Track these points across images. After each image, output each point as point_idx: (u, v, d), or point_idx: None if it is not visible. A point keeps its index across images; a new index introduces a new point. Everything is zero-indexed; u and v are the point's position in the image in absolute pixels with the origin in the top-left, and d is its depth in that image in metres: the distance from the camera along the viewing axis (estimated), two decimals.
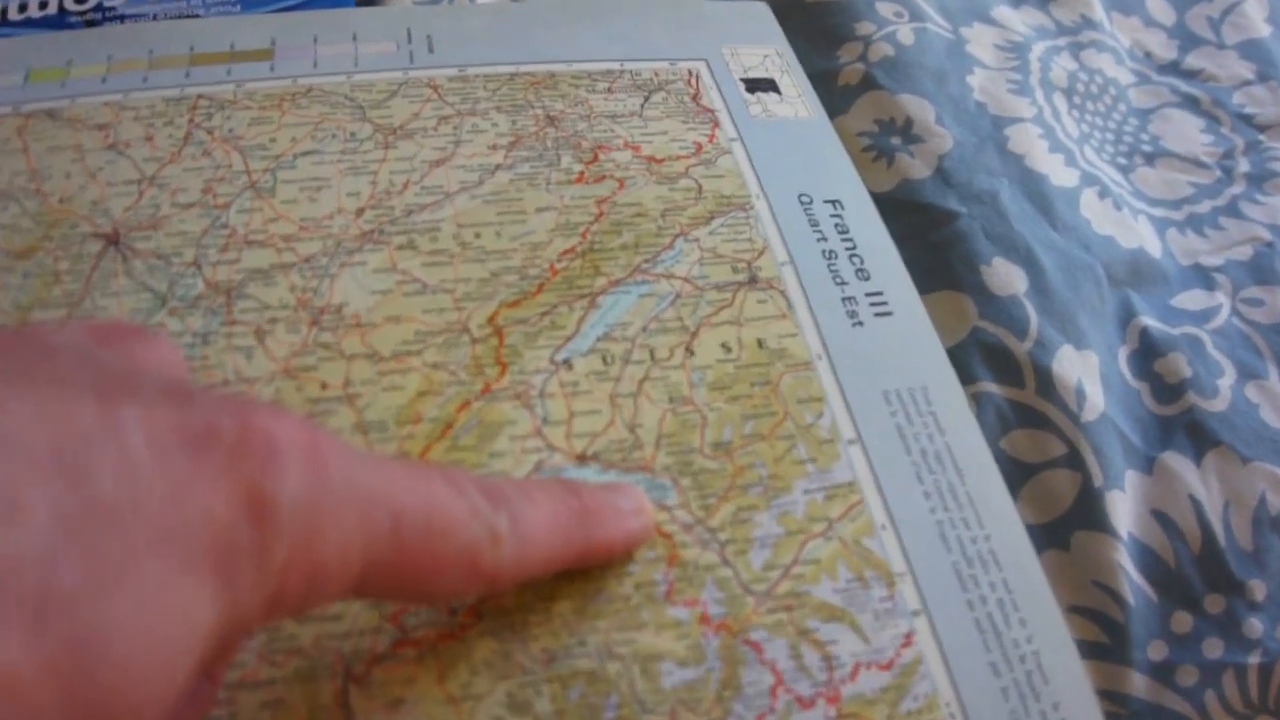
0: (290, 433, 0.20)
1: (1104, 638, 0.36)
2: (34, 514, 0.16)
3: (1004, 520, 0.36)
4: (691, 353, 0.36)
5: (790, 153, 0.42)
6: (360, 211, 0.38)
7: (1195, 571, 0.37)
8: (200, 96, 0.42)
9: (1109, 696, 0.35)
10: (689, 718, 0.31)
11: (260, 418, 0.20)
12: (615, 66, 0.45)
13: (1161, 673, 0.35)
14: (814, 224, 0.40)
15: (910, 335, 0.39)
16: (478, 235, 0.38)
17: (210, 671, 0.26)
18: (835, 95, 0.45)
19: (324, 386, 0.34)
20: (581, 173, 0.40)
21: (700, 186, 0.40)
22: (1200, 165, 0.45)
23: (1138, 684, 0.35)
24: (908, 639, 0.33)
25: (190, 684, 0.19)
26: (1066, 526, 0.37)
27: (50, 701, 0.16)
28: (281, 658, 0.31)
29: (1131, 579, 0.36)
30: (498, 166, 0.40)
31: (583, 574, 0.32)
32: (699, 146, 0.41)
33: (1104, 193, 0.43)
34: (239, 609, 0.19)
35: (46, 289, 0.36)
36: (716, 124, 0.43)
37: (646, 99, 0.43)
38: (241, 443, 0.19)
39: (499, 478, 0.30)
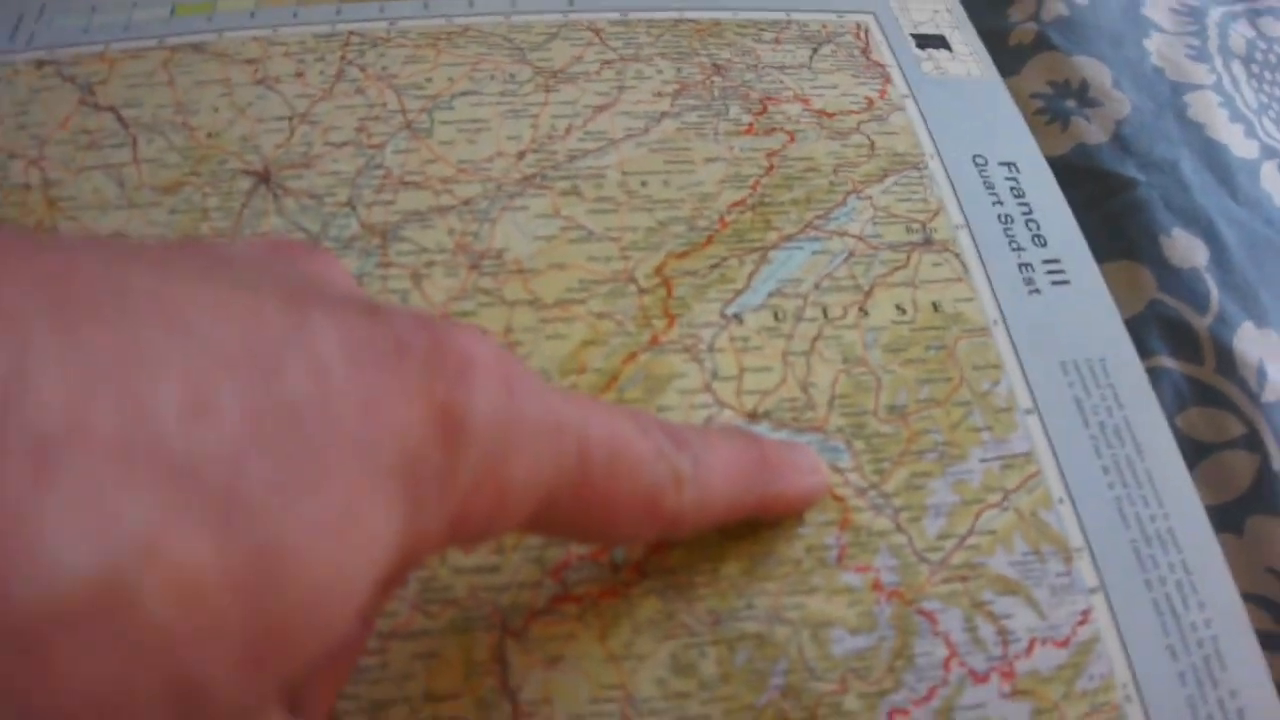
0: (484, 351, 0.19)
1: (1275, 627, 0.34)
2: (223, 411, 0.15)
3: (1183, 500, 0.34)
4: (865, 313, 0.35)
5: (963, 112, 0.41)
6: (521, 155, 0.37)
7: None
8: (352, 33, 0.41)
9: (1277, 686, 0.33)
10: (859, 687, 0.30)
11: (454, 334, 0.19)
12: (781, 16, 0.44)
13: None
14: (989, 186, 0.39)
15: (1088, 305, 0.37)
16: (644, 184, 0.37)
17: (364, 615, 0.26)
18: (1006, 55, 0.44)
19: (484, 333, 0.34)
20: (750, 124, 0.39)
21: (873, 143, 0.39)
22: None
23: None
24: (1085, 616, 0.32)
25: (366, 608, 0.18)
26: (1241, 510, 0.36)
27: (234, 609, 0.15)
28: (436, 608, 0.30)
29: None
30: (664, 114, 0.38)
31: (751, 535, 0.31)
32: (870, 102, 0.40)
33: None
34: (421, 531, 0.19)
35: (194, 225, 0.35)
36: (888, 80, 0.41)
37: (815, 51, 0.42)
38: (434, 357, 0.19)
39: (681, 422, 0.29)
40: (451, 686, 0.29)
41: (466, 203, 0.36)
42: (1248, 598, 0.34)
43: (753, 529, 0.31)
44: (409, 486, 0.18)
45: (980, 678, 0.31)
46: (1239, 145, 0.41)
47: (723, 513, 0.28)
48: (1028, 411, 0.34)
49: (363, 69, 0.39)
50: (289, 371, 0.16)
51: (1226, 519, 0.35)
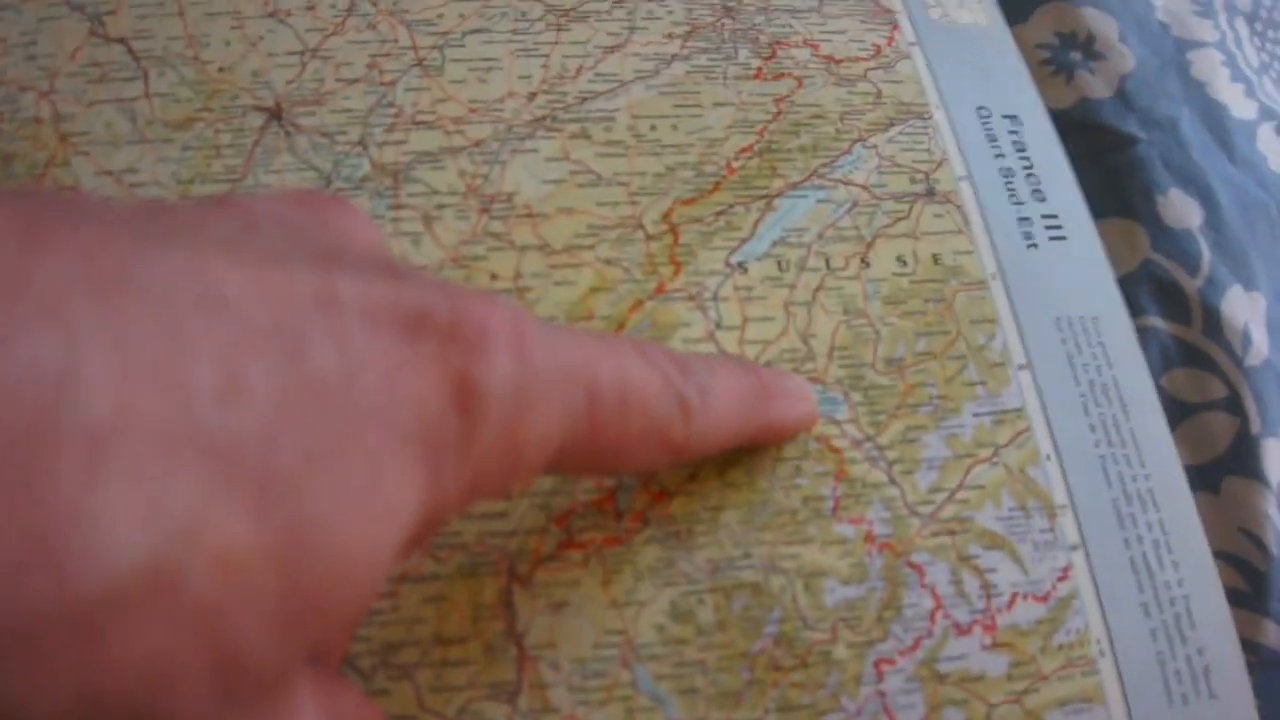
0: (500, 318, 0.20)
1: (1244, 585, 0.36)
2: (256, 390, 0.16)
3: (1164, 460, 0.35)
4: (867, 264, 0.36)
5: (969, 62, 0.41)
6: (532, 96, 0.37)
7: None
8: None
9: (1243, 644, 0.35)
10: (849, 636, 0.31)
11: (471, 302, 0.20)
12: None
13: None
14: (992, 139, 0.39)
15: (1084, 262, 0.38)
16: (653, 127, 0.37)
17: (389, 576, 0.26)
18: (1015, 2, 0.44)
19: (494, 277, 0.34)
20: (760, 68, 0.39)
21: (879, 91, 0.39)
22: None
23: (1272, 634, 0.35)
24: (1065, 573, 0.33)
25: (390, 570, 0.19)
26: (1219, 470, 0.37)
27: (270, 583, 0.16)
28: (445, 553, 0.31)
29: (1278, 529, 0.36)
30: (674, 56, 0.38)
31: (749, 484, 0.32)
32: (878, 49, 0.40)
33: None
34: (441, 496, 0.19)
35: (207, 163, 0.35)
36: (896, 26, 0.41)
37: None
38: (454, 327, 0.19)
39: (684, 350, 0.30)
40: (460, 630, 0.30)
41: (478, 144, 0.36)
42: (1220, 556, 0.35)
43: (751, 478, 0.32)
44: (428, 454, 0.19)
45: (963, 630, 0.32)
46: (1238, 105, 0.42)
47: (727, 440, 0.29)
48: (1021, 367, 0.35)
49: (374, 3, 0.39)
50: (315, 345, 0.17)
51: (1204, 478, 0.36)
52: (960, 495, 0.33)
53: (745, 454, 0.33)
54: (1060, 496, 0.34)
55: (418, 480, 0.19)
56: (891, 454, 0.33)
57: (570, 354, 0.22)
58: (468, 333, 0.19)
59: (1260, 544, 0.36)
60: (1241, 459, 0.37)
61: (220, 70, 0.37)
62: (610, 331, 0.34)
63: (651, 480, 0.32)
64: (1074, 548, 0.33)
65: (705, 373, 0.26)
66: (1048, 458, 0.34)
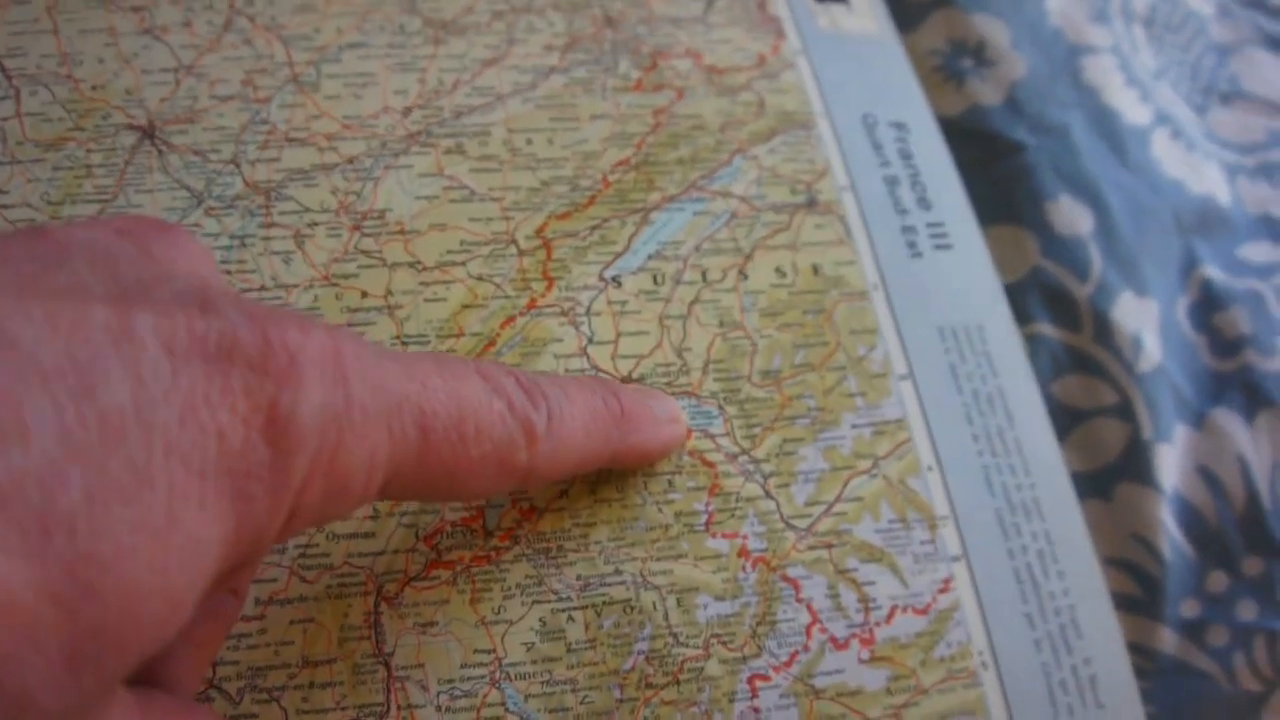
0: (313, 344, 0.20)
1: (1138, 591, 0.35)
2: (39, 432, 0.16)
3: (1050, 470, 0.35)
4: (745, 276, 0.35)
5: (856, 70, 0.41)
6: (407, 111, 0.37)
7: (1236, 532, 0.36)
8: None
9: (1138, 650, 0.34)
10: (722, 652, 0.31)
11: (282, 329, 0.19)
12: None
13: (1192, 631, 0.35)
14: (877, 147, 0.39)
15: (969, 271, 0.38)
16: (529, 141, 0.37)
17: (234, 587, 0.26)
18: (906, 10, 0.43)
19: (364, 295, 0.34)
20: (640, 79, 0.38)
21: (762, 101, 0.39)
22: (1277, 110, 0.43)
23: (1168, 640, 0.35)
24: (946, 585, 0.33)
25: (205, 602, 0.19)
26: (1111, 477, 0.37)
27: (53, 620, 0.16)
28: (312, 574, 0.30)
29: (1171, 535, 0.36)
30: (552, 69, 0.38)
31: (621, 500, 0.32)
32: (762, 58, 0.40)
33: (1177, 133, 0.42)
34: (255, 527, 0.19)
35: (78, 183, 0.35)
36: (781, 35, 0.41)
37: (710, 4, 0.41)
38: (264, 357, 0.19)
39: (540, 372, 0.29)
40: (327, 651, 0.30)
41: (350, 161, 0.36)
42: (1111, 562, 0.35)
43: (623, 493, 0.32)
44: (237, 486, 0.18)
45: (840, 644, 0.31)
46: (1132, 111, 0.42)
47: (577, 465, 0.28)
48: (902, 377, 0.35)
49: (251, 19, 0.38)
50: (108, 381, 0.17)
51: (1096, 485, 0.36)
52: (838, 508, 0.33)
53: (617, 470, 0.32)
54: (942, 507, 0.33)
55: (224, 510, 0.18)
56: (767, 467, 0.33)
57: (398, 380, 0.22)
58: (278, 362, 0.19)
59: (1153, 550, 0.35)
60: (1134, 465, 0.36)
61: (93, 89, 0.36)
62: (454, 353, 0.33)
63: (521, 497, 0.32)
64: (956, 559, 0.33)
65: (557, 396, 0.26)
66: (929, 468, 0.34)
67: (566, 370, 0.33)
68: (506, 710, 0.30)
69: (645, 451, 0.31)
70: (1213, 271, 0.39)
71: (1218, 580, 0.36)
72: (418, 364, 0.23)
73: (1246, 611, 0.35)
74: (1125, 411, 0.37)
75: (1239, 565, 0.36)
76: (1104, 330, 0.38)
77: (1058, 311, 0.38)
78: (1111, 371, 0.37)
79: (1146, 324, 0.38)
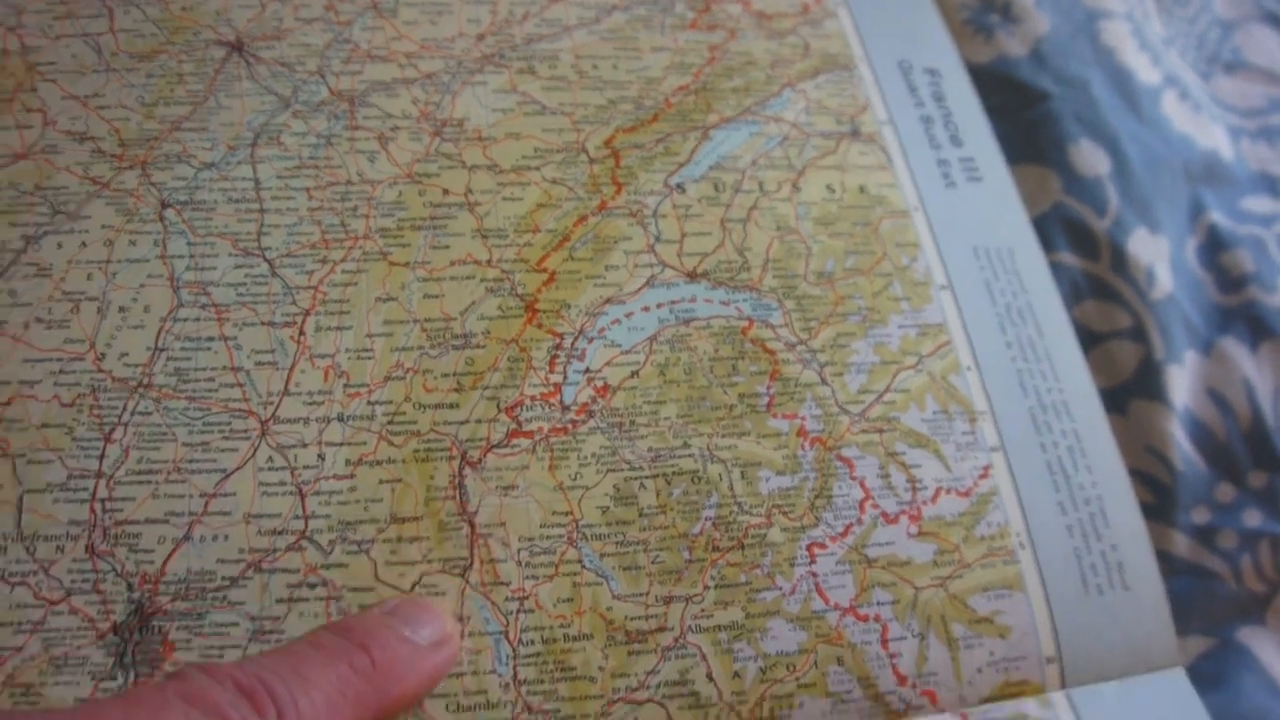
0: None
1: (1152, 499, 0.38)
2: None
3: (1077, 377, 0.37)
4: (798, 189, 0.38)
5: (893, 20, 0.44)
6: (481, 37, 0.39)
7: (1243, 447, 0.39)
8: None
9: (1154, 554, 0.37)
10: (783, 521, 0.33)
11: None
12: None
13: (1203, 535, 0.38)
14: (912, 90, 0.42)
15: (999, 201, 0.40)
16: (595, 66, 0.39)
17: None
18: None
19: (446, 192, 0.36)
20: (695, 20, 0.41)
21: (807, 44, 0.42)
22: (1276, 80, 0.47)
23: (1180, 543, 0.37)
24: (985, 471, 0.35)
25: None
26: (1126, 394, 0.39)
27: None
28: (400, 439, 0.32)
29: (1182, 448, 0.38)
30: (614, 7, 0.41)
31: (689, 382, 0.34)
32: (806, 7, 0.43)
33: (1184, 95, 0.45)
34: None
35: (170, 88, 0.37)
36: None
37: None
38: None
39: (271, 661, 0.26)
40: (414, 509, 0.32)
41: (429, 76, 0.38)
42: (1130, 473, 0.37)
43: (689, 375, 0.34)
44: None
45: (891, 519, 0.34)
46: (1144, 72, 0.45)
47: None
48: (942, 287, 0.37)
49: None
50: None
51: (1113, 401, 0.39)
52: (887, 397, 0.35)
53: (684, 353, 0.34)
54: (980, 403, 0.36)
55: None
56: (823, 357, 0.35)
57: None
58: None
59: (1166, 461, 0.38)
60: (1147, 383, 0.39)
61: (183, 9, 0.38)
62: (555, 255, 0.36)
63: (595, 376, 0.34)
64: (994, 449, 0.35)
65: (287, 689, 0.25)
66: (968, 368, 0.36)
67: (636, 265, 0.35)
68: (583, 566, 0.31)
69: (414, 695, 0.28)
70: (1218, 217, 0.42)
71: (1225, 491, 0.38)
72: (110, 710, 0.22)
73: (1252, 519, 0.38)
74: (1139, 334, 0.39)
75: (1245, 478, 0.38)
76: (1120, 260, 0.40)
77: (1078, 242, 0.41)
78: (1126, 297, 0.40)
79: (1159, 258, 0.41)
